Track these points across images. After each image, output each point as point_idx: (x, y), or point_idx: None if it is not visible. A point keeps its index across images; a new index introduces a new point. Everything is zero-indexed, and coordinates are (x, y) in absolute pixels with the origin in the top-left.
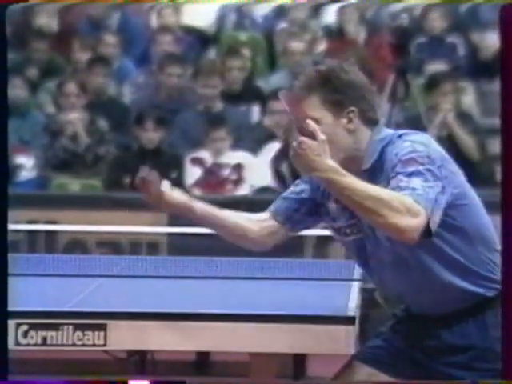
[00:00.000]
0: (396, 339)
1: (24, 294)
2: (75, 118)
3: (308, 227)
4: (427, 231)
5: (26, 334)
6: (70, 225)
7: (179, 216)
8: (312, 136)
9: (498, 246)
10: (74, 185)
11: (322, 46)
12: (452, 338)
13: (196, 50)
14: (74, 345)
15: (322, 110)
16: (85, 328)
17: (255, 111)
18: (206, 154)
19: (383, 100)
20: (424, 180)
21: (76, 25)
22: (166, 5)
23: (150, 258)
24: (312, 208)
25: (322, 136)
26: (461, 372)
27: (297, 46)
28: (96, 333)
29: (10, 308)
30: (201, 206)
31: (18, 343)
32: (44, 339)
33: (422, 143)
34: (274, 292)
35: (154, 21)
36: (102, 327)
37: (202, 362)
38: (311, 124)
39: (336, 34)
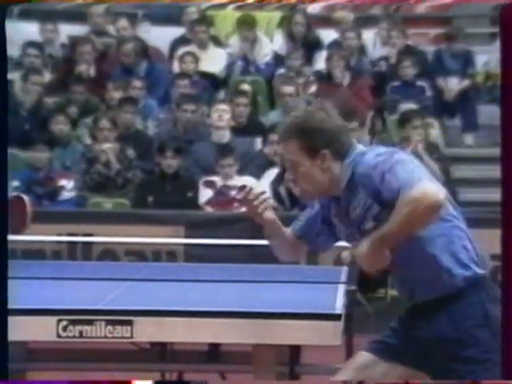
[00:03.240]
0: (400, 330)
1: (64, 294)
2: (108, 148)
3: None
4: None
5: (65, 328)
6: (103, 237)
7: (265, 229)
8: (294, 169)
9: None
10: (106, 203)
11: (313, 88)
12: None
13: (209, 90)
14: (105, 337)
15: (299, 154)
16: (114, 323)
17: (258, 142)
18: (216, 178)
19: (364, 132)
20: (400, 169)
21: (109, 71)
22: (186, 53)
23: (169, 264)
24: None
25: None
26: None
27: (289, 89)
28: (124, 327)
29: (52, 306)
30: (279, 223)
31: (59, 336)
32: (80, 332)
33: (380, 150)
34: (274, 293)
35: (175, 66)
36: (129, 322)
37: (214, 351)
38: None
39: (325, 78)
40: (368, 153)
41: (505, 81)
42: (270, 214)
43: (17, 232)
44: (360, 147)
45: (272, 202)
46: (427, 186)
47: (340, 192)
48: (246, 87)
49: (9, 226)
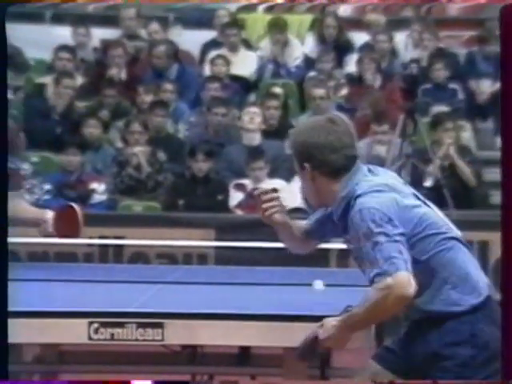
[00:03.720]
0: (405, 340)
1: (95, 296)
2: (139, 151)
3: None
4: None
5: (96, 331)
6: (134, 240)
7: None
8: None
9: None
10: (137, 206)
11: (344, 91)
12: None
13: (240, 94)
14: (136, 340)
15: (297, 165)
16: (146, 326)
17: (288, 145)
18: (247, 181)
19: (395, 135)
20: (382, 248)
21: (141, 75)
22: (218, 56)
23: (200, 267)
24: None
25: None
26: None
27: (319, 92)
28: (155, 330)
29: (84, 309)
30: (289, 223)
31: (90, 338)
32: (112, 335)
33: (372, 207)
34: (304, 295)
35: (206, 70)
36: (160, 325)
37: (244, 354)
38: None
39: (356, 81)
40: (360, 205)
41: (505, 81)
42: (279, 217)
43: (73, 237)
44: (361, 170)
45: (282, 202)
46: (402, 276)
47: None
48: (277, 90)
49: (61, 234)
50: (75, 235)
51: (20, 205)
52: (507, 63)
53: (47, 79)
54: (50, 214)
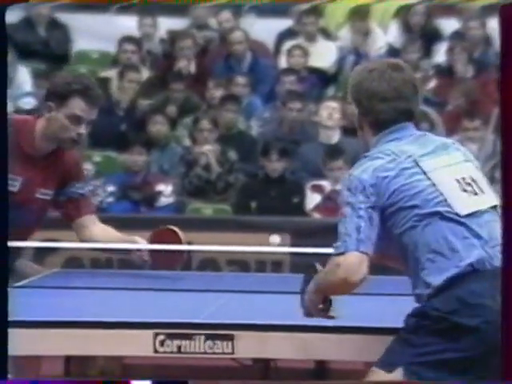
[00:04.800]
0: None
1: (161, 306)
2: (208, 150)
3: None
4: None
5: (163, 343)
6: (203, 245)
7: None
8: None
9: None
10: (206, 209)
11: (432, 83)
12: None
13: (317, 87)
14: (205, 353)
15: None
16: (215, 338)
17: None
18: (325, 182)
19: (489, 132)
20: (344, 221)
21: (211, 67)
22: (295, 46)
23: (274, 275)
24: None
25: None
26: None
27: None
28: (225, 342)
29: (149, 319)
30: None
31: (156, 351)
32: (179, 347)
33: (353, 174)
34: (387, 306)
35: (281, 61)
36: (230, 337)
37: (321, 369)
38: None
39: (446, 72)
40: (352, 169)
41: (505, 81)
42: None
43: (173, 268)
44: (405, 130)
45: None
46: (349, 259)
47: None
48: None
49: (162, 261)
50: (179, 263)
51: (105, 231)
52: (507, 63)
53: (111, 73)
54: (142, 240)
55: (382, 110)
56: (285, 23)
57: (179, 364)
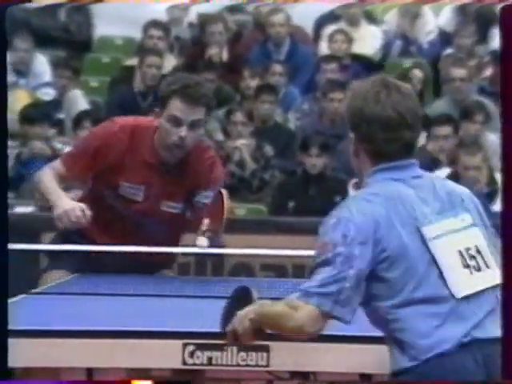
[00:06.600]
0: None
1: (191, 315)
2: (242, 145)
3: None
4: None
5: (192, 354)
6: (236, 248)
7: None
8: None
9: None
10: (240, 209)
11: (488, 71)
12: None
13: (361, 76)
14: (237, 365)
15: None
16: (248, 349)
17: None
18: None
19: None
20: (321, 267)
21: (245, 54)
22: (337, 31)
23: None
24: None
25: None
26: None
27: (459, 72)
28: (259, 353)
29: (178, 329)
30: None
31: (185, 363)
32: (209, 359)
33: (346, 215)
34: None
35: (322, 48)
36: (265, 348)
37: (364, 382)
38: None
39: (503, 59)
40: (338, 209)
41: (505, 81)
42: None
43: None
44: (409, 168)
45: None
46: (308, 311)
47: None
48: (416, 72)
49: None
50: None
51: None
52: (507, 63)
53: (135, 61)
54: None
55: (386, 139)
56: (325, 6)
57: (210, 377)
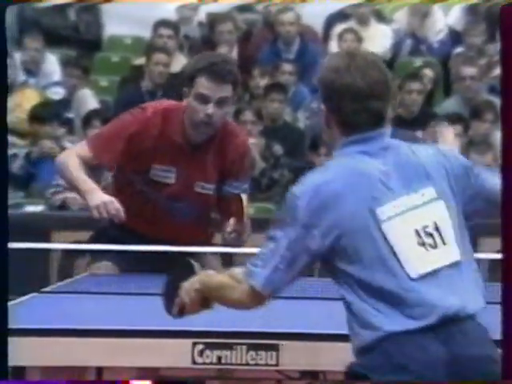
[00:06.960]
0: None
1: (200, 313)
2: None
3: None
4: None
5: (201, 353)
6: (245, 247)
7: None
8: None
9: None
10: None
11: (498, 70)
12: None
13: None
14: (247, 364)
15: None
16: (258, 348)
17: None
18: None
19: None
20: (268, 246)
21: (254, 54)
22: (347, 30)
23: (322, 280)
24: None
25: None
26: None
27: (469, 71)
28: (269, 353)
29: (187, 328)
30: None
31: (194, 362)
32: (219, 358)
33: (296, 192)
34: None
35: (332, 46)
36: (275, 347)
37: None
38: None
39: None
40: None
41: (505, 81)
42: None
43: None
44: (381, 137)
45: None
46: (250, 286)
47: None
48: (426, 71)
49: None
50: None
51: None
52: (507, 63)
53: (144, 61)
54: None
55: (356, 109)
56: (335, 5)
57: (219, 376)
